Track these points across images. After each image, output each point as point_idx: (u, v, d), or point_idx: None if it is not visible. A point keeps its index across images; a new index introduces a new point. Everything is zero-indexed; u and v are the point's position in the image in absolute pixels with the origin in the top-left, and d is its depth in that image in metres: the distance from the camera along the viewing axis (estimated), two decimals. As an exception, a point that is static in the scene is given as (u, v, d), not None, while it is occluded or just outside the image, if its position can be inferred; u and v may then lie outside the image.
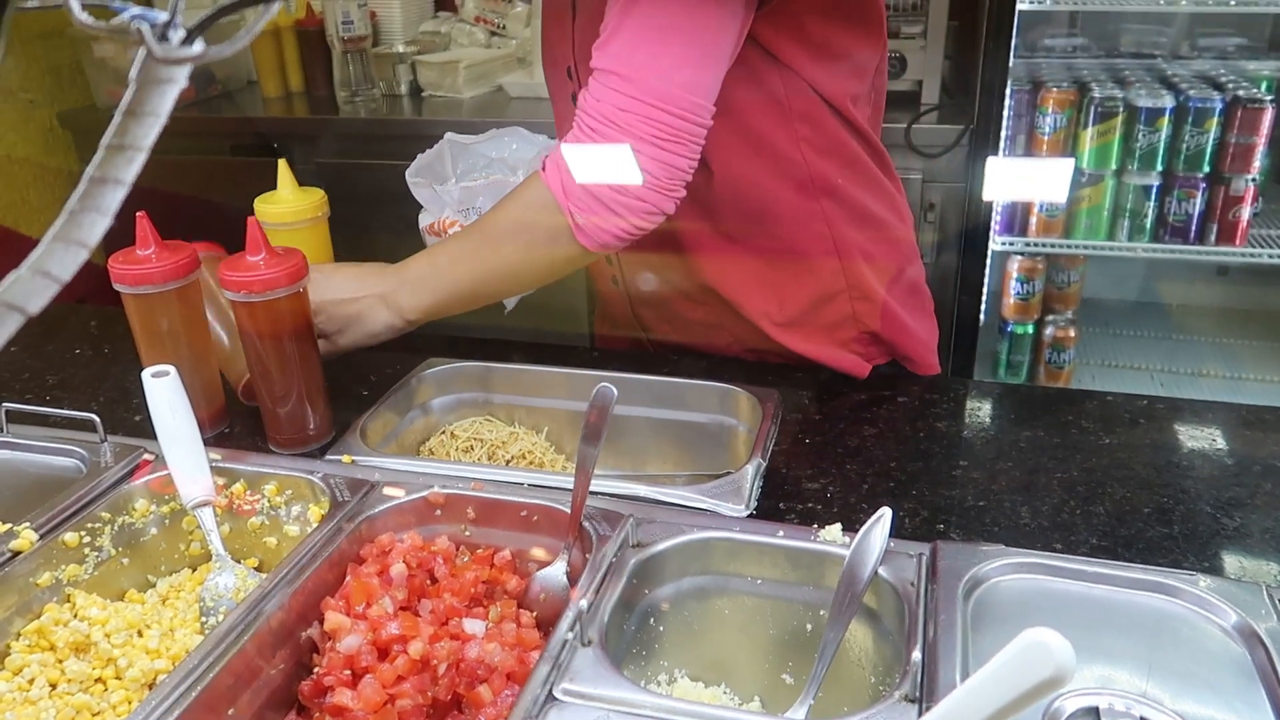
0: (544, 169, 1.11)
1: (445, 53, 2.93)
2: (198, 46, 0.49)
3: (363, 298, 1.21)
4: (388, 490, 0.99)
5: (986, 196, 2.27)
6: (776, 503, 0.99)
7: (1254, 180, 2.27)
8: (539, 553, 0.96)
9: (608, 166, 1.06)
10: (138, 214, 1.09)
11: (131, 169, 0.51)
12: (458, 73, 2.79)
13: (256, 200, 1.30)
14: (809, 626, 0.89)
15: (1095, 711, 0.69)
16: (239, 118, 2.90)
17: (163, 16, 0.49)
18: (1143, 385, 2.58)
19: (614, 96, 1.04)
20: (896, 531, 0.90)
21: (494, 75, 2.87)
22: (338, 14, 2.72)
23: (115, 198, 0.51)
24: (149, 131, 0.52)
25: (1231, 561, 0.89)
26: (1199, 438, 1.10)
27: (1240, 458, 1.06)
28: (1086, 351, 2.69)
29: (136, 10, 0.49)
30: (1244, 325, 2.81)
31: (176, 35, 0.49)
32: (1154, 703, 0.69)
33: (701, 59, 1.05)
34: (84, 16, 0.50)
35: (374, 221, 2.77)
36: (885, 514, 0.85)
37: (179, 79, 0.51)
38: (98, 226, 0.50)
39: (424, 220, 1.38)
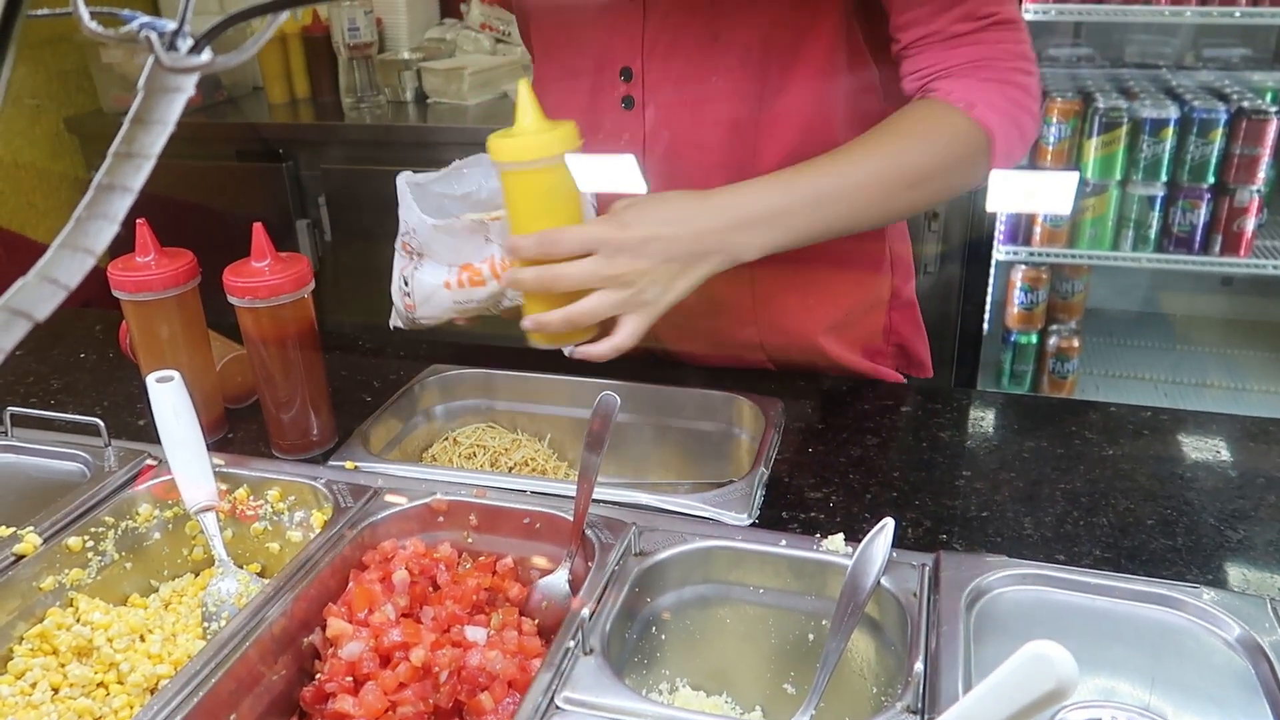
0: (973, 106, 1.02)
1: (450, 59, 2.95)
2: (206, 55, 0.49)
3: (693, 248, 1.01)
4: (390, 497, 0.99)
5: (990, 208, 2.28)
6: (779, 512, 0.99)
7: (1259, 191, 2.27)
8: (541, 560, 0.96)
9: (1023, 107, 1.06)
10: (138, 221, 1.09)
11: (139, 176, 0.51)
12: (463, 79, 2.80)
13: (490, 136, 1.05)
14: (811, 636, 0.89)
15: (1098, 724, 0.69)
16: (244, 123, 2.91)
17: (171, 25, 0.49)
18: (1146, 396, 2.58)
19: (1013, 36, 1.05)
20: (899, 542, 0.90)
21: (499, 82, 2.88)
22: (344, 20, 2.73)
23: (123, 205, 0.51)
24: (157, 139, 0.52)
25: (1235, 574, 0.89)
26: (1203, 449, 1.10)
27: (1244, 470, 1.06)
28: (1090, 362, 2.69)
29: (145, 19, 0.49)
30: (1248, 336, 2.81)
31: (184, 44, 0.49)
32: (1157, 716, 0.69)
33: None
34: (93, 25, 0.51)
35: (378, 228, 2.78)
36: (888, 524, 0.85)
37: (187, 87, 0.51)
38: (105, 234, 0.51)
39: (434, 277, 1.16)
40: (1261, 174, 2.25)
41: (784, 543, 0.91)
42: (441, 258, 1.16)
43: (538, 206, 1.06)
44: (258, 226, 1.08)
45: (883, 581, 0.83)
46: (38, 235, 2.89)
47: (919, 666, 0.72)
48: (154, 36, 0.48)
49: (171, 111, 0.51)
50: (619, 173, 1.19)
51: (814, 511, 1.00)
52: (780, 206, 1.02)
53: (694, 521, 0.96)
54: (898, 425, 1.17)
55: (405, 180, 1.22)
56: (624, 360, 1.38)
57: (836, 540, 0.90)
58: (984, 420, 1.18)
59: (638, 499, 0.99)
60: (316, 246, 2.75)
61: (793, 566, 0.89)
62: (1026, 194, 2.22)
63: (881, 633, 0.85)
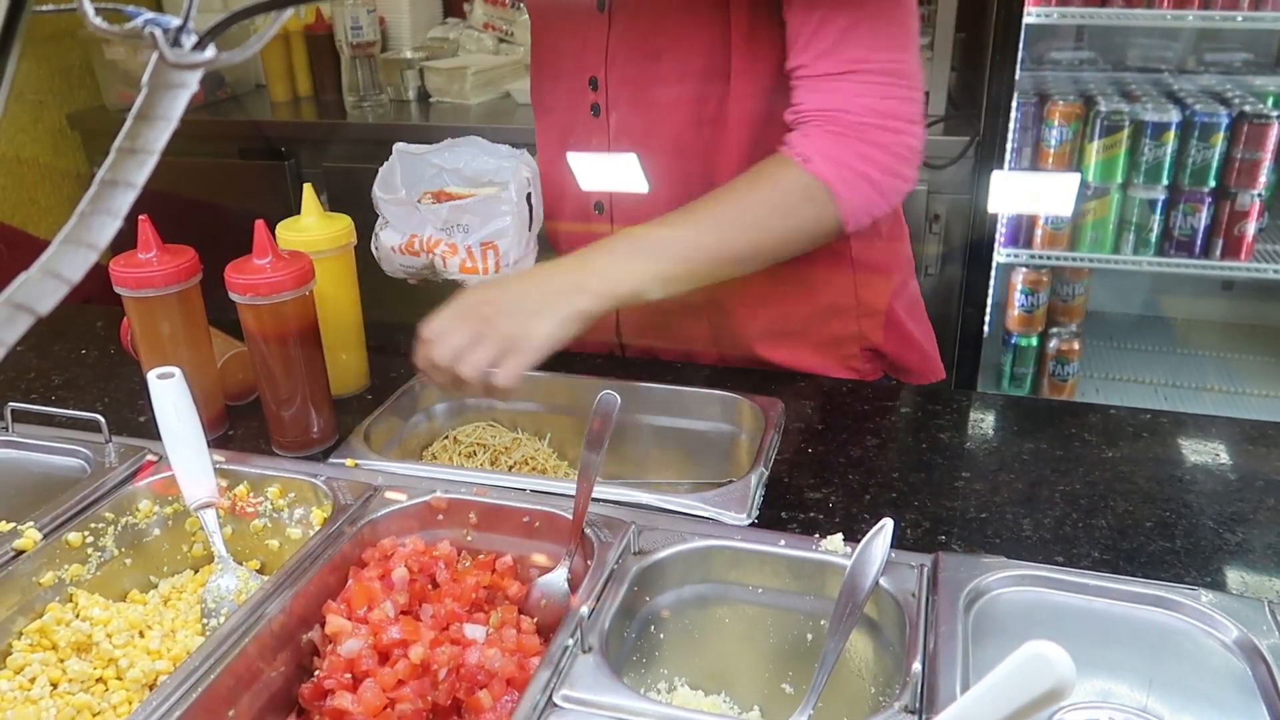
0: (808, 161, 1.07)
1: (453, 59, 2.95)
2: (209, 52, 0.50)
3: (545, 291, 1.07)
4: (390, 495, 0.99)
5: (992, 209, 2.28)
6: (779, 512, 0.99)
7: (1260, 195, 2.27)
8: (540, 559, 0.96)
9: (874, 163, 1.08)
10: (140, 218, 1.10)
11: (142, 172, 0.52)
12: (465, 79, 2.80)
13: (279, 226, 1.19)
14: (809, 636, 0.89)
15: (1095, 725, 0.69)
16: (247, 121, 2.91)
17: (175, 22, 0.49)
18: (1146, 399, 2.58)
19: (878, 90, 1.07)
20: (898, 542, 0.90)
21: (501, 82, 2.89)
22: (347, 19, 2.73)
23: (126, 200, 0.51)
24: (160, 135, 0.52)
25: (1234, 576, 0.89)
26: (1202, 452, 1.10)
27: (1243, 473, 1.06)
28: (1090, 365, 2.69)
29: (149, 15, 0.49)
30: (1248, 340, 2.81)
31: (188, 40, 0.49)
32: (1154, 717, 0.69)
33: (911, 32, 1.10)
34: (98, 21, 0.51)
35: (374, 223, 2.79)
36: (887, 525, 0.85)
37: (190, 84, 0.51)
38: (108, 229, 0.51)
39: (390, 239, 1.29)
40: (1263, 178, 2.25)
41: (783, 543, 0.91)
42: (395, 225, 1.30)
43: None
44: (259, 224, 1.08)
45: (881, 582, 0.84)
46: (40, 231, 2.89)
47: (917, 666, 0.72)
48: (158, 33, 0.48)
49: (175, 107, 0.52)
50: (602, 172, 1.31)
51: (813, 512, 1.00)
52: (615, 258, 1.09)
53: (693, 521, 0.96)
54: (897, 426, 1.17)
55: (400, 149, 1.35)
56: (624, 361, 1.39)
57: (835, 540, 0.90)
58: (983, 422, 1.19)
59: (638, 498, 0.99)
60: (318, 245, 2.75)
61: (791, 566, 0.89)
62: (1029, 195, 2.23)
63: (880, 633, 0.85)
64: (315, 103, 3.03)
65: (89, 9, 0.51)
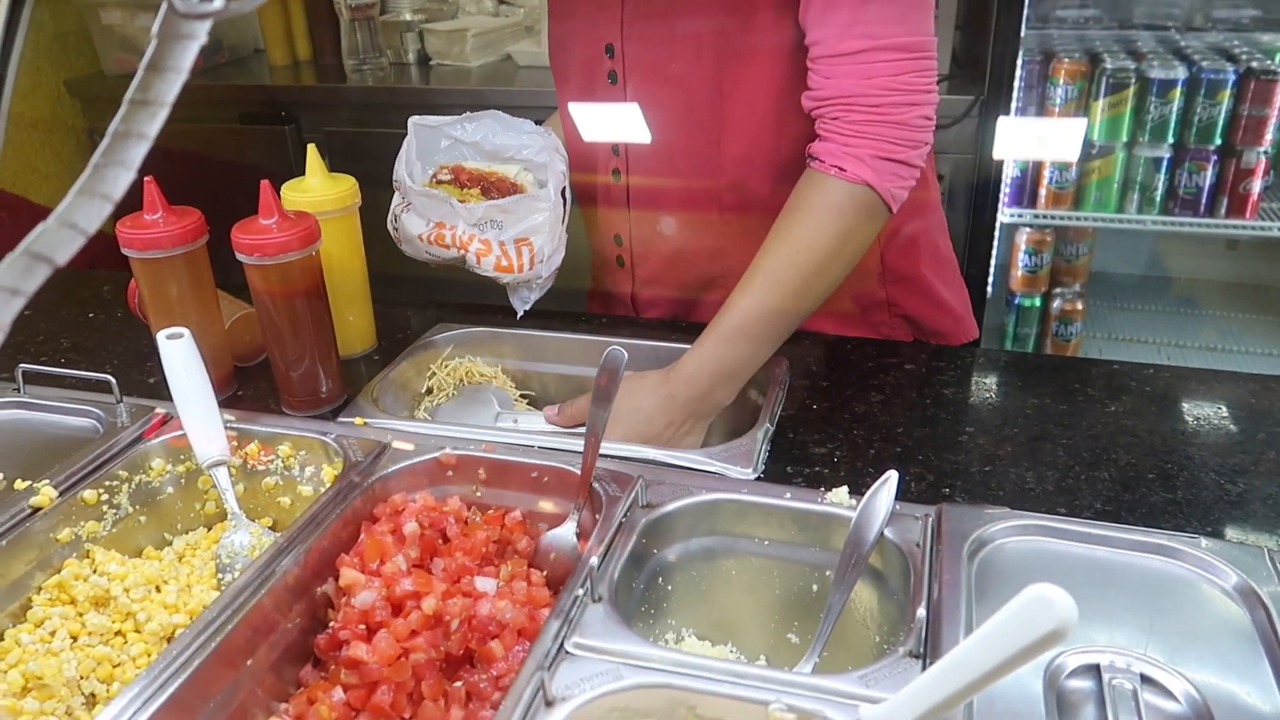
0: (843, 170, 1.06)
1: (453, 21, 2.92)
2: (218, 3, 0.50)
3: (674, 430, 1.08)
4: (400, 451, 1.00)
5: (997, 156, 2.26)
6: (784, 466, 1.01)
7: (1266, 153, 2.26)
8: (549, 513, 0.97)
9: (896, 141, 1.08)
10: (145, 179, 1.09)
11: (154, 124, 0.52)
12: (465, 41, 2.77)
13: (284, 186, 1.19)
14: (815, 587, 0.91)
15: (1097, 669, 0.71)
16: (247, 86, 2.89)
17: (185, -30, 0.49)
18: (1150, 358, 2.58)
19: (894, 66, 1.07)
20: (902, 495, 0.91)
21: (502, 44, 2.86)
22: (346, -19, 2.70)
23: (139, 152, 0.52)
24: (171, 87, 0.52)
25: (1234, 526, 0.90)
26: (1204, 406, 1.11)
27: (1245, 425, 1.07)
28: (1093, 325, 2.69)
29: None
30: (1252, 299, 2.81)
31: (198, -10, 0.50)
32: (1154, 660, 0.71)
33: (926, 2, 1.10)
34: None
35: (382, 190, 2.78)
36: (891, 477, 0.86)
37: (200, 35, 0.51)
38: (121, 180, 0.51)
39: (415, 225, 1.25)
40: (1269, 135, 2.23)
41: (789, 495, 0.92)
42: (420, 211, 1.26)
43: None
44: (265, 184, 1.08)
45: (886, 533, 0.85)
46: (40, 198, 2.88)
47: (921, 612, 0.73)
48: (168, -19, 0.48)
49: (185, 58, 0.52)
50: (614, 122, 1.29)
51: (818, 466, 1.01)
52: (726, 363, 1.08)
53: (700, 476, 0.97)
54: (901, 383, 1.18)
55: (415, 123, 1.31)
56: (631, 320, 1.39)
57: (841, 493, 0.91)
58: (987, 378, 1.19)
59: (644, 453, 1.01)
60: (320, 210, 2.75)
61: (797, 519, 0.90)
62: (1035, 141, 2.21)
63: (885, 583, 0.86)
64: (315, 66, 3.00)
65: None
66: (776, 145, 1.20)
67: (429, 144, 1.32)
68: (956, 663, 0.61)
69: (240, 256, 1.07)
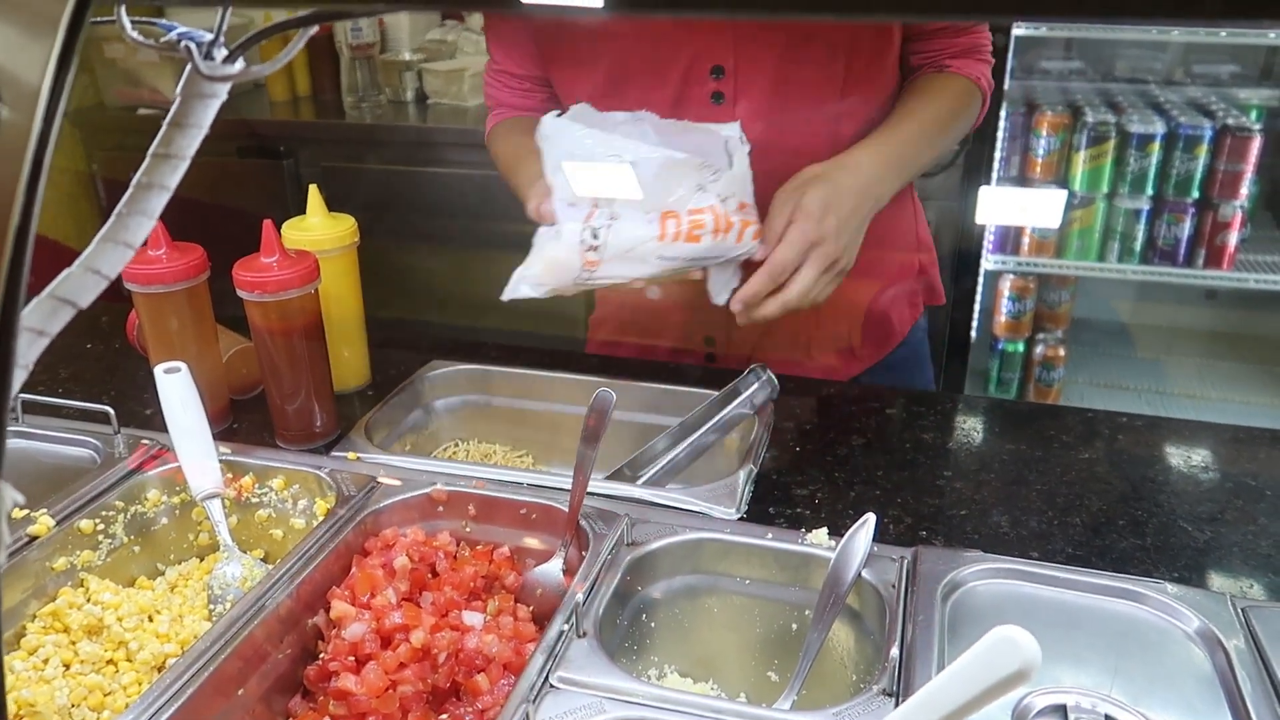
0: (978, 80, 1.30)
1: (451, 61, 2.98)
2: (239, 64, 0.54)
3: (860, 206, 1.14)
4: (392, 486, 1.02)
5: (979, 220, 2.32)
6: (766, 507, 1.03)
7: (1242, 206, 2.32)
8: (537, 549, 1.00)
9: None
10: (154, 214, 1.12)
11: (175, 176, 0.56)
12: (463, 80, 2.83)
13: (285, 225, 1.21)
14: (794, 626, 0.93)
15: (1063, 709, 0.73)
16: (246, 120, 2.94)
17: (208, 36, 0.53)
18: (1130, 404, 2.63)
19: (985, 38, 1.33)
20: (880, 537, 0.93)
21: (499, 85, 2.92)
22: (347, 21, 2.76)
23: (159, 202, 0.55)
24: (192, 142, 0.56)
25: (1200, 573, 0.93)
26: (1176, 454, 1.14)
27: (1214, 474, 1.10)
28: (1076, 370, 2.73)
29: (183, 29, 0.53)
30: (1232, 348, 2.86)
31: (220, 53, 0.53)
32: (1118, 702, 0.73)
33: None
34: (135, 34, 0.55)
35: (378, 225, 2.81)
36: (870, 519, 0.89)
37: (220, 94, 0.55)
38: (143, 229, 0.55)
39: (636, 232, 1.06)
40: (1244, 189, 2.30)
41: (770, 536, 0.94)
42: (652, 198, 1.07)
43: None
44: (268, 223, 1.12)
45: (864, 574, 0.87)
46: (41, 228, 2.89)
47: (895, 652, 0.76)
48: (193, 46, 0.52)
49: (207, 115, 0.56)
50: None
51: (799, 507, 1.04)
52: (894, 158, 1.20)
53: (684, 515, 1.00)
54: (883, 427, 1.21)
55: (581, 114, 1.14)
56: (618, 360, 1.42)
57: (820, 534, 0.94)
58: (966, 423, 1.22)
59: (631, 492, 1.03)
60: (316, 243, 2.79)
61: (778, 559, 0.93)
62: (1016, 210, 2.27)
63: (861, 622, 0.88)
64: (314, 102, 3.06)
65: (126, 22, 0.54)
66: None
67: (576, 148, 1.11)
68: (925, 701, 0.63)
69: (241, 293, 1.10)
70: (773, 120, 1.25)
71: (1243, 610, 0.82)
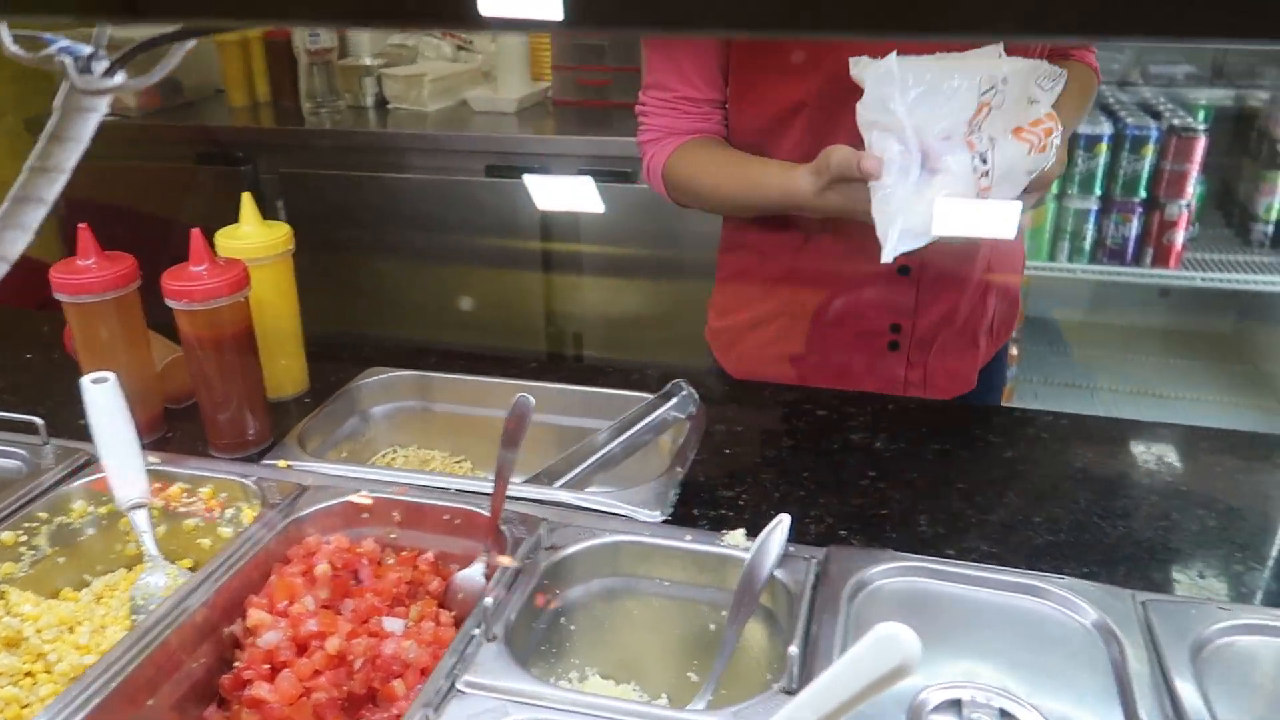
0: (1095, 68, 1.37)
1: (412, 66, 2.98)
2: (118, 78, 0.54)
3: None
4: (317, 494, 1.03)
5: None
6: (691, 509, 1.04)
7: (1188, 206, 2.36)
8: (461, 555, 1.00)
9: None
10: (80, 226, 1.13)
11: (54, 189, 0.56)
12: (423, 86, 2.83)
13: (218, 234, 1.20)
14: (712, 626, 0.94)
15: (958, 704, 0.75)
16: (204, 127, 2.93)
17: (87, 50, 0.54)
18: (1083, 403, 2.66)
19: None
20: (801, 537, 0.95)
21: (459, 89, 2.92)
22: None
23: (37, 216, 0.56)
24: (70, 155, 0.57)
25: (1109, 568, 0.95)
26: (1096, 452, 1.16)
27: (1130, 471, 1.13)
28: (1029, 370, 2.76)
29: (64, 43, 0.54)
30: (1185, 346, 2.90)
31: (99, 67, 0.54)
32: (1013, 696, 0.75)
33: None
34: (14, 48, 0.55)
35: (339, 232, 2.81)
36: (783, 520, 0.91)
37: (100, 108, 0.56)
38: (19, 243, 0.55)
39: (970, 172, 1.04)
40: (1190, 189, 2.33)
41: (689, 538, 0.96)
42: (1006, 116, 1.06)
43: None
44: (195, 232, 1.12)
45: (776, 574, 0.89)
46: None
47: (793, 649, 0.77)
48: (69, 60, 0.53)
49: (85, 129, 0.56)
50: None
51: (724, 509, 1.05)
52: None
53: (609, 518, 1.01)
54: (813, 429, 1.22)
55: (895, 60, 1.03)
56: (560, 364, 1.43)
57: (737, 535, 0.95)
58: (894, 424, 1.24)
59: (558, 496, 1.04)
60: (275, 250, 2.79)
61: (695, 560, 0.94)
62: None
63: (775, 621, 0.90)
64: (274, 108, 3.04)
65: (6, 37, 0.55)
66: None
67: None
68: (811, 698, 0.65)
69: (169, 302, 1.10)
70: None
71: (1142, 604, 0.83)
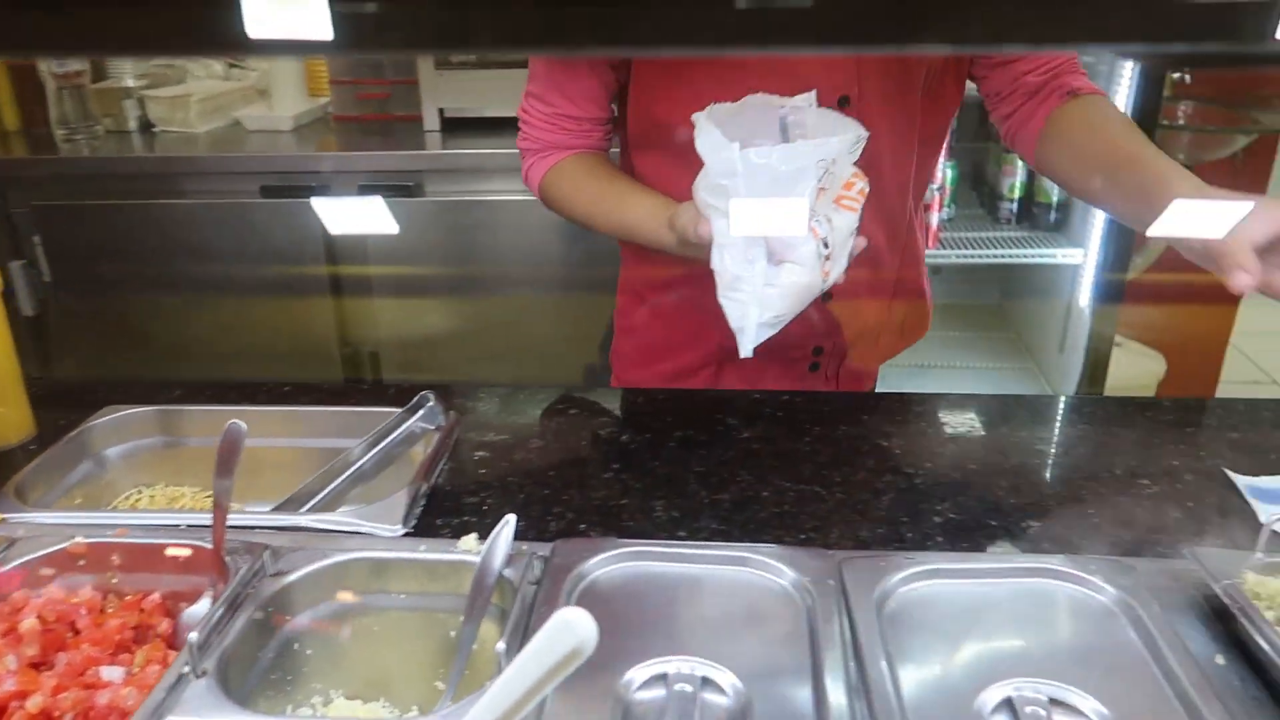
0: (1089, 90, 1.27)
1: (179, 86, 2.84)
2: None
3: None
4: (27, 545, 0.97)
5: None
6: (434, 519, 1.05)
7: (940, 189, 2.55)
8: (190, 592, 0.97)
9: None
10: None
11: None
12: (189, 107, 2.70)
13: None
14: (452, 633, 0.95)
15: (664, 677, 0.78)
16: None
17: None
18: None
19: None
20: (542, 535, 0.98)
21: (231, 108, 2.81)
22: (46, 49, 2.58)
23: None
24: None
25: (823, 533, 1.02)
26: (825, 426, 1.24)
27: (852, 441, 1.21)
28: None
29: None
30: (959, 319, 3.14)
31: None
32: (713, 664, 0.79)
33: None
34: None
35: (104, 265, 2.64)
36: (509, 520, 0.93)
37: None
38: None
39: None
40: (940, 173, 2.52)
41: (423, 548, 0.96)
42: (832, 191, 1.07)
43: None
44: None
45: (506, 573, 0.90)
46: None
47: (500, 646, 0.79)
48: None
49: None
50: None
51: (468, 516, 1.06)
52: None
53: (346, 537, 1.00)
54: (563, 427, 1.25)
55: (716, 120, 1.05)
56: (310, 389, 1.38)
57: (470, 540, 0.96)
58: (641, 416, 1.29)
59: (295, 520, 1.02)
60: (36, 288, 2.58)
61: (429, 570, 0.94)
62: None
63: (507, 619, 0.91)
64: (26, 136, 2.84)
65: None
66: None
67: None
68: (500, 689, 0.66)
69: None
70: (885, 151, 1.25)
71: (839, 563, 0.90)
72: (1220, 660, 0.80)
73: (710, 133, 1.02)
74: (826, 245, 1.06)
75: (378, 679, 0.97)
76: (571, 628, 0.64)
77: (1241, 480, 1.09)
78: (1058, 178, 1.30)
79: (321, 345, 2.60)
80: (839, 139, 1.03)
